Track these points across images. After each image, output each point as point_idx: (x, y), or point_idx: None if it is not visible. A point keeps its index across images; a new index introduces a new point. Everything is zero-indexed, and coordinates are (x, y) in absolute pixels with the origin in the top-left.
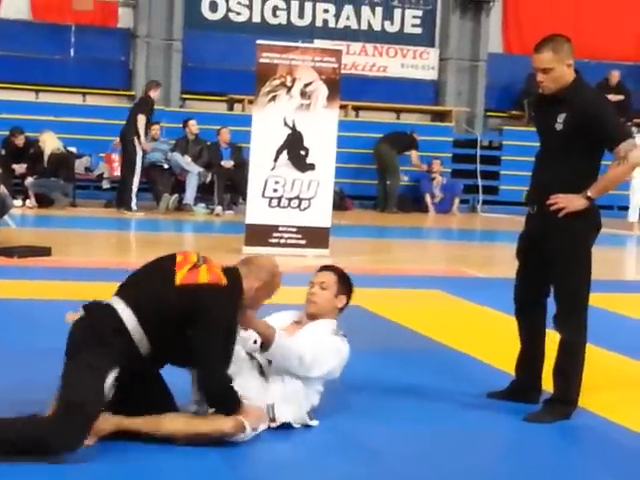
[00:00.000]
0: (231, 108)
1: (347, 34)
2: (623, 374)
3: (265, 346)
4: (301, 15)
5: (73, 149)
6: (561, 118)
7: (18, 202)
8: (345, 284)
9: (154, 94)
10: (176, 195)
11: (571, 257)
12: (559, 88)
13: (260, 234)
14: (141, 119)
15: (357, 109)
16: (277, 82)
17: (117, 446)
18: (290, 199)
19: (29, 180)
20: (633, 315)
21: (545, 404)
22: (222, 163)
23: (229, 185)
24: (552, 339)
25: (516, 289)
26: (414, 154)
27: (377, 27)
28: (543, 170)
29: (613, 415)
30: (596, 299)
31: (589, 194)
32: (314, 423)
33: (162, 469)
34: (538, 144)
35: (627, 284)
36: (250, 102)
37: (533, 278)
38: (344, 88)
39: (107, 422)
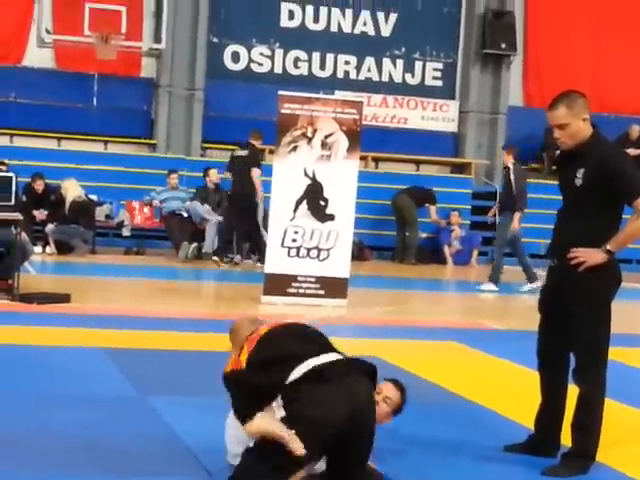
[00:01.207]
0: None
1: (368, 86)
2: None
3: None
4: (322, 66)
5: (94, 197)
6: (580, 173)
7: (38, 249)
8: (402, 408)
9: (257, 143)
10: (195, 244)
11: (590, 311)
12: (577, 143)
13: (279, 284)
14: (255, 172)
15: (377, 160)
16: (298, 132)
17: None
18: (309, 249)
19: (49, 227)
20: None
21: (563, 458)
22: None
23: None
24: (572, 393)
25: (538, 343)
26: (432, 209)
27: (398, 79)
28: (564, 224)
29: (631, 470)
30: (615, 353)
31: (609, 248)
32: None
33: None
34: (556, 197)
35: None
36: (271, 152)
37: (555, 331)
38: (364, 139)
39: None
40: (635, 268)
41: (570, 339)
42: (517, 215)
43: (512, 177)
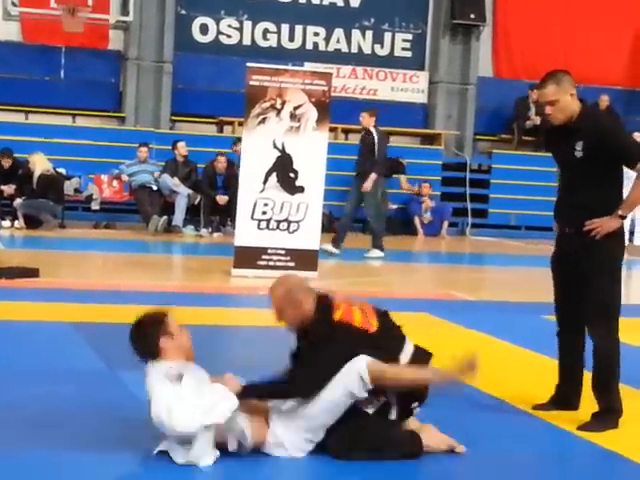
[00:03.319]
0: (221, 130)
1: (337, 57)
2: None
3: None
4: (291, 38)
5: (62, 170)
6: (579, 146)
7: (6, 223)
8: None
9: None
10: (165, 217)
11: (605, 268)
12: (568, 117)
13: (249, 256)
14: None
15: (347, 132)
16: (267, 104)
17: None
18: (279, 221)
19: (18, 201)
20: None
21: (593, 416)
22: (217, 198)
23: (218, 207)
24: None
25: (557, 310)
26: (403, 179)
27: (367, 50)
28: (572, 195)
29: (613, 445)
30: None
31: (621, 213)
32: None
33: None
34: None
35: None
36: (240, 124)
37: (572, 297)
38: (334, 111)
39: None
40: None
41: (585, 301)
42: (373, 176)
43: (376, 140)
